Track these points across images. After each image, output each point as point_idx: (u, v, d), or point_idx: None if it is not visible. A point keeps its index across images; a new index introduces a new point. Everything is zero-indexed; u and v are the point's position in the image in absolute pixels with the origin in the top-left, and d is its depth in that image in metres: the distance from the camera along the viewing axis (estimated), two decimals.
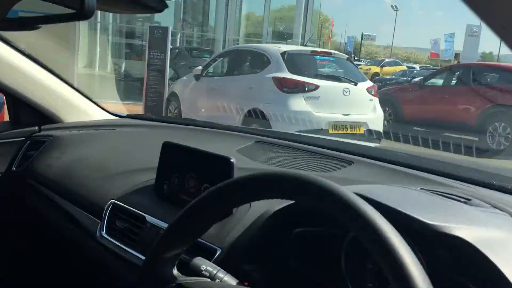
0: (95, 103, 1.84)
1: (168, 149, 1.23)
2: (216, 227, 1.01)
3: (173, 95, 7.36)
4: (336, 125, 6.13)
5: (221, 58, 7.40)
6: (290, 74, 6.02)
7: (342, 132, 6.11)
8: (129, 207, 1.22)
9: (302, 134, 1.60)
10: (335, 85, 6.17)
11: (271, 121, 5.96)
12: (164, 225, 1.11)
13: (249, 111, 6.19)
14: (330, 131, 6.04)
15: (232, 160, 1.09)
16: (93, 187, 1.37)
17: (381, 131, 6.59)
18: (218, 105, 6.61)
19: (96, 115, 1.84)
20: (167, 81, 7.14)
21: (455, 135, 8.20)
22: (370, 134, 6.34)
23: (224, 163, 1.10)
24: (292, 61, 6.19)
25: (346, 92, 6.16)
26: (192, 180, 1.17)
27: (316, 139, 1.58)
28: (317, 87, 5.98)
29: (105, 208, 1.26)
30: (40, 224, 1.51)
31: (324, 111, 6.02)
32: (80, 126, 1.75)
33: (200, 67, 7.11)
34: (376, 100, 6.48)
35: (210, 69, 7.18)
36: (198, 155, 1.17)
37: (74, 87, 1.74)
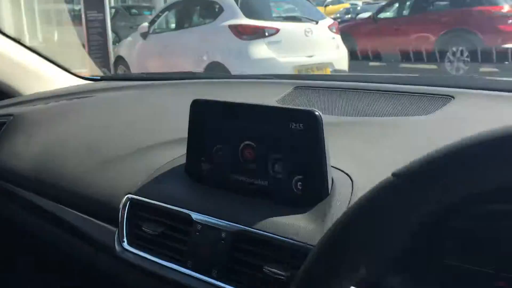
0: (61, 67, 1.38)
1: (202, 109, 0.84)
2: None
3: (119, 58, 6.77)
4: (302, 69, 5.81)
5: (168, 12, 6.80)
6: (247, 19, 5.59)
7: None
8: (158, 202, 0.83)
9: (338, 74, 1.24)
10: (296, 26, 5.82)
11: (234, 73, 5.56)
12: (227, 225, 0.74)
13: (208, 66, 5.75)
14: None
15: (317, 113, 0.72)
16: (91, 179, 0.97)
17: (347, 69, 6.35)
18: (172, 63, 6.13)
19: (64, 82, 1.39)
20: (110, 44, 6.52)
21: (414, 66, 8.10)
22: (337, 73, 6.09)
23: (302, 119, 0.73)
24: (247, 5, 5.74)
25: (308, 32, 5.82)
26: (248, 150, 0.79)
27: (358, 76, 1.22)
28: (277, 30, 5.60)
29: (121, 207, 0.87)
30: (21, 241, 1.10)
31: (288, 55, 5.68)
32: (46, 98, 1.30)
33: (146, 24, 6.52)
34: (338, 37, 6.20)
35: (158, 25, 6.60)
36: (255, 112, 0.79)
37: (32, 49, 1.28)
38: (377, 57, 8.41)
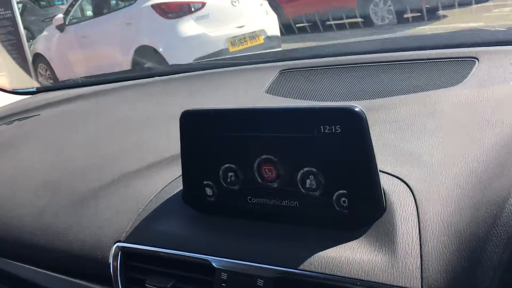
0: None
1: (197, 122, 0.66)
2: None
3: (37, 56, 6.26)
4: (235, 41, 5.64)
5: None
6: None
7: (243, 47, 5.66)
8: (159, 249, 0.65)
9: (324, 46, 1.09)
10: None
11: (165, 55, 5.29)
12: (262, 269, 0.58)
13: (136, 51, 5.43)
14: (231, 49, 5.57)
15: (357, 110, 0.56)
16: (63, 228, 0.76)
17: (279, 35, 6.24)
18: (97, 54, 5.74)
19: None
20: (25, 42, 5.99)
21: (342, 21, 8.10)
22: (270, 40, 5.97)
23: (338, 120, 0.57)
24: None
25: (235, 2, 5.62)
26: (267, 166, 0.63)
27: (347, 45, 1.07)
28: (203, 4, 5.36)
29: (111, 260, 0.68)
30: None
31: (219, 28, 5.48)
32: None
33: (60, 15, 6.04)
34: (265, 3, 6.06)
35: (73, 15, 6.13)
36: (270, 118, 0.62)
37: None
38: (304, 17, 8.34)
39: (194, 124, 0.66)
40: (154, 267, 0.66)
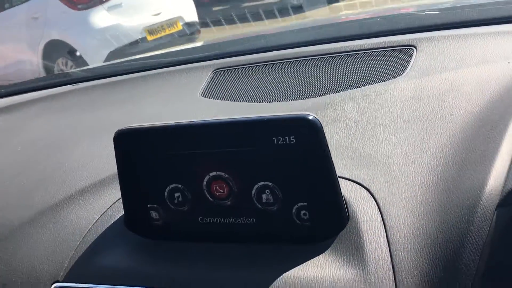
0: None
1: (134, 142, 0.59)
2: None
3: None
4: (152, 30, 5.46)
5: None
6: None
7: (161, 35, 5.49)
8: (105, 286, 0.58)
9: (255, 38, 1.04)
10: None
11: (79, 49, 5.02)
12: None
13: (46, 46, 5.11)
14: (149, 38, 5.39)
15: (311, 118, 0.52)
16: None
17: (197, 20, 6.12)
18: (1, 52, 5.33)
19: None
20: None
21: (257, 3, 8.10)
22: (189, 26, 5.84)
23: (292, 130, 0.53)
24: None
25: None
26: (218, 183, 0.58)
27: (282, 35, 1.03)
28: None
29: None
30: None
31: (134, 18, 5.28)
32: None
33: None
34: None
35: None
36: (216, 132, 0.56)
37: None
38: (221, 2, 8.24)
39: (131, 144, 0.59)
40: None
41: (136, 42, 5.21)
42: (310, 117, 0.52)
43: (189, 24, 5.89)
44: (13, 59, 5.26)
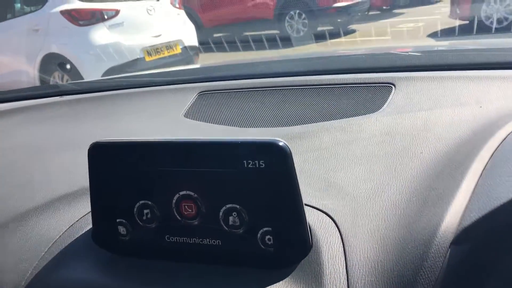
0: None
1: (107, 155, 0.60)
2: None
3: None
4: (151, 51, 5.51)
5: None
6: (81, 2, 5.06)
7: (159, 57, 5.54)
8: None
9: (242, 66, 1.06)
10: (136, 4, 5.46)
11: (77, 64, 5.05)
12: None
13: (43, 59, 5.13)
14: (147, 59, 5.43)
15: (281, 144, 0.53)
16: None
17: (197, 45, 6.20)
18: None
19: None
20: None
21: (258, 32, 8.24)
22: (188, 50, 5.91)
23: (261, 154, 0.54)
24: None
25: (151, 10, 5.51)
26: (186, 202, 0.58)
27: (268, 64, 1.05)
28: (117, 11, 5.19)
29: None
30: None
31: (134, 38, 5.33)
32: None
33: None
34: (182, 12, 6.00)
35: None
36: (189, 152, 0.57)
37: None
38: (222, 28, 8.38)
39: (104, 158, 0.60)
40: None
41: (134, 62, 5.25)
42: (281, 143, 0.53)
43: (188, 48, 5.95)
44: (10, 68, 5.28)
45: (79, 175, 0.74)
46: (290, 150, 0.53)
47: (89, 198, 0.62)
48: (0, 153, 0.87)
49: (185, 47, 5.85)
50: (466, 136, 0.65)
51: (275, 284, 0.53)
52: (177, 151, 0.57)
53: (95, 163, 0.60)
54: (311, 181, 0.64)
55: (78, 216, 0.66)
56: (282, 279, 0.53)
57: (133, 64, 5.21)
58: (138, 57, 5.33)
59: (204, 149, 0.56)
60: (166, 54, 5.61)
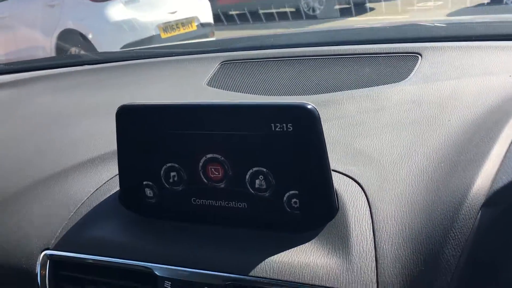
0: None
1: (136, 118, 0.61)
2: None
3: None
4: (167, 27, 5.49)
5: None
6: None
7: (175, 33, 5.52)
8: (93, 256, 0.60)
9: (266, 37, 1.05)
10: None
11: (93, 40, 5.05)
12: (210, 276, 0.54)
13: (60, 35, 5.14)
14: (163, 36, 5.41)
15: (310, 107, 0.53)
16: None
17: (212, 21, 6.16)
18: (15, 37, 5.37)
19: None
20: None
21: (274, 10, 8.16)
22: (203, 27, 5.87)
23: (290, 117, 0.54)
24: None
25: None
26: (213, 165, 0.59)
27: (291, 35, 1.04)
28: None
29: (38, 270, 0.61)
30: None
31: (149, 14, 5.30)
32: None
33: None
34: None
35: None
36: (216, 115, 0.58)
37: None
38: (237, 5, 8.29)
39: (132, 121, 0.60)
40: (88, 277, 0.60)
41: (150, 38, 5.24)
42: (309, 106, 0.53)
43: (203, 25, 5.92)
44: (27, 45, 5.30)
45: (104, 140, 0.75)
46: (318, 113, 0.53)
47: (115, 162, 0.63)
48: (24, 120, 0.89)
49: (200, 23, 5.81)
50: (495, 104, 0.64)
51: (300, 246, 0.53)
52: (204, 114, 0.57)
53: (123, 126, 0.61)
54: (336, 148, 0.64)
55: (105, 179, 0.67)
56: (307, 241, 0.54)
57: (149, 41, 5.20)
58: (154, 33, 5.32)
59: (232, 112, 0.56)
60: (181, 31, 5.58)
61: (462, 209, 0.48)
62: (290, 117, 0.54)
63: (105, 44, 4.98)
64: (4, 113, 0.94)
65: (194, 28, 5.69)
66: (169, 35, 5.39)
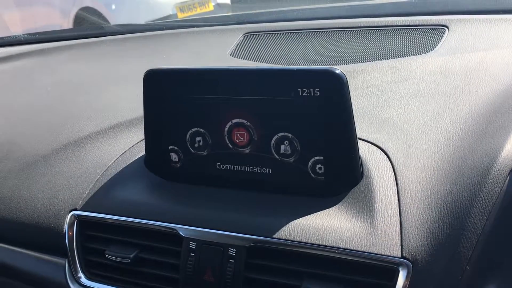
0: None
1: (163, 82, 0.61)
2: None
3: None
4: (184, 7, 5.45)
5: None
6: None
7: (192, 13, 5.50)
8: (119, 217, 0.61)
9: (288, 10, 1.04)
10: None
11: (109, 18, 5.05)
12: (235, 237, 0.55)
13: (78, 13, 5.15)
14: (180, 15, 5.38)
15: (338, 72, 0.53)
16: (5, 193, 0.70)
17: (229, 2, 6.11)
18: (33, 14, 5.38)
19: None
20: None
21: None
22: (220, 8, 5.83)
23: (318, 82, 0.54)
24: None
25: None
26: (239, 130, 0.59)
27: (313, 10, 1.03)
28: None
29: (66, 229, 0.63)
30: None
31: None
32: None
33: None
34: None
35: None
36: (243, 80, 0.58)
37: None
38: None
39: (159, 85, 0.61)
40: (115, 237, 0.61)
41: (166, 18, 5.22)
42: (337, 71, 0.53)
43: (220, 5, 5.88)
44: (44, 23, 5.32)
45: (130, 107, 0.76)
46: (346, 79, 0.52)
47: (141, 128, 0.63)
48: (51, 87, 0.90)
49: (217, 4, 5.77)
50: None
51: (325, 210, 0.54)
52: (231, 79, 0.58)
53: (150, 90, 0.61)
54: (362, 116, 0.64)
55: (131, 144, 0.68)
56: (332, 206, 0.54)
57: (165, 20, 5.19)
58: (171, 13, 5.30)
59: (259, 76, 0.57)
60: (198, 11, 5.55)
61: (490, 174, 0.48)
62: (318, 81, 0.54)
63: (122, 22, 4.99)
64: (34, 79, 0.95)
65: (211, 8, 5.64)
66: (185, 14, 5.37)
